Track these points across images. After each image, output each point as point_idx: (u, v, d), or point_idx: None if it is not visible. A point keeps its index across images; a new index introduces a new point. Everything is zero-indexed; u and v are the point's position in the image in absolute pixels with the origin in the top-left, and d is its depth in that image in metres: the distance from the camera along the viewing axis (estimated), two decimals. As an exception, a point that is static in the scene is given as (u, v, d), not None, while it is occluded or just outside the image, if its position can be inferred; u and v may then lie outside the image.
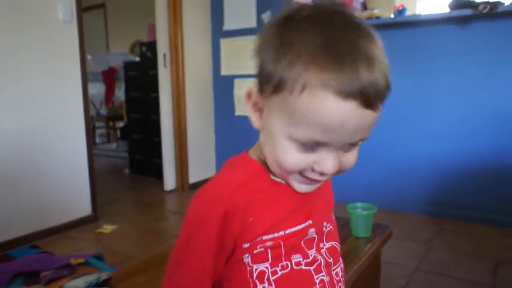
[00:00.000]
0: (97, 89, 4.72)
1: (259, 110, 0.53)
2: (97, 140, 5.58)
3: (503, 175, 2.36)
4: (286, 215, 0.56)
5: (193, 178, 3.40)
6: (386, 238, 1.22)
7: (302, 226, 0.57)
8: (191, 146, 3.36)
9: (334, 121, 0.45)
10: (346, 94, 0.44)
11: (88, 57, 2.50)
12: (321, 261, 0.58)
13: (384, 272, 1.41)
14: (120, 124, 5.38)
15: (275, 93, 0.48)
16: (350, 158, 0.53)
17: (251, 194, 0.55)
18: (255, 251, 0.54)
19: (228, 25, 3.35)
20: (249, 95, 0.54)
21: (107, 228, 2.49)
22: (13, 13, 2.16)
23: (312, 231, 0.58)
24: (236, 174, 0.56)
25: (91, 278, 0.91)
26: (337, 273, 0.61)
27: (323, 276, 0.57)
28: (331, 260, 0.60)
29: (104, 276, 0.94)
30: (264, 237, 0.54)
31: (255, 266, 0.54)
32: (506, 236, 2.25)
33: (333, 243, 0.62)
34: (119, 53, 5.17)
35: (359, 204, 1.20)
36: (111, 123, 5.53)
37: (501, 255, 2.03)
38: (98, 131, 5.64)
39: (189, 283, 0.55)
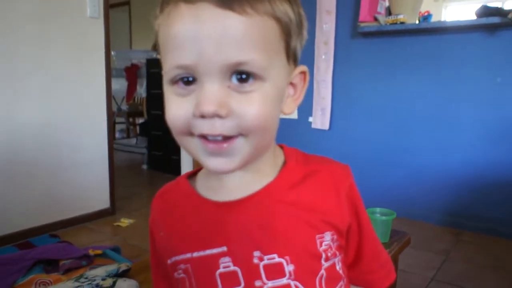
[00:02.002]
0: (119, 85, 4.80)
1: None
2: (117, 135, 5.66)
3: (526, 188, 2.31)
4: (197, 234, 0.48)
5: (209, 176, 3.41)
6: (404, 245, 1.21)
7: (213, 251, 0.47)
8: (209, 145, 3.38)
9: (188, 29, 0.40)
10: None
11: (112, 53, 2.55)
12: None
13: (400, 281, 1.39)
14: (140, 120, 5.45)
15: (156, 35, 0.46)
16: (247, 106, 0.41)
17: (164, 206, 0.53)
18: (177, 275, 0.50)
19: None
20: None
21: (124, 222, 2.53)
22: (43, 8, 2.22)
23: (226, 261, 0.46)
24: (165, 186, 0.56)
25: (111, 268, 0.93)
26: None
27: None
28: None
29: (123, 267, 0.96)
30: (177, 258, 0.49)
31: None
32: (526, 251, 2.19)
33: (289, 282, 0.45)
34: (142, 50, 5.24)
35: (377, 209, 1.19)
36: (131, 119, 5.62)
37: (521, 269, 1.98)
38: (118, 127, 5.72)
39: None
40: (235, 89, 0.41)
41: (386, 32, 2.64)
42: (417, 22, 2.54)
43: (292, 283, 0.45)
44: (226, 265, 0.46)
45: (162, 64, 0.46)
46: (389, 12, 2.70)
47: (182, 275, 0.49)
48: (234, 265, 0.46)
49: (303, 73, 0.49)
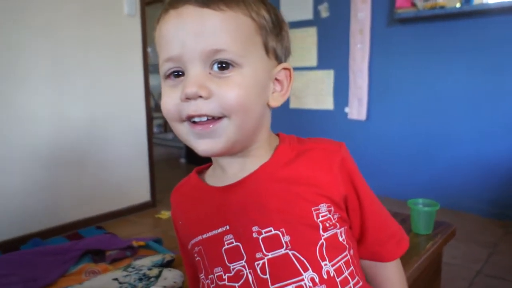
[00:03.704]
0: (156, 80, 4.90)
1: None
2: (155, 130, 5.80)
3: None
4: (204, 218, 0.54)
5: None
6: (449, 236, 1.17)
7: (218, 231, 0.52)
8: (245, 138, 3.41)
9: (173, 26, 0.47)
10: (179, 3, 0.47)
11: (148, 49, 2.61)
12: (247, 276, 0.49)
13: (445, 273, 1.35)
14: (177, 115, 5.56)
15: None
16: (225, 88, 0.46)
17: (180, 198, 0.60)
18: (196, 258, 0.56)
19: (284, 18, 3.34)
20: None
21: (165, 214, 2.60)
22: (83, 8, 2.30)
23: (229, 238, 0.51)
24: (181, 180, 0.63)
25: (157, 258, 0.97)
26: None
27: None
28: (265, 276, 0.48)
29: (168, 257, 0.99)
30: (193, 241, 0.56)
31: (200, 277, 0.56)
32: None
33: (287, 252, 0.49)
34: (177, 46, 5.33)
35: (420, 200, 1.16)
36: (168, 114, 5.73)
37: None
38: (155, 121, 5.86)
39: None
40: (215, 75, 0.47)
41: (424, 18, 2.55)
42: (458, 5, 2.43)
43: (290, 252, 0.49)
44: (229, 241, 0.50)
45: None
46: (428, -4, 2.60)
47: (198, 258, 0.55)
48: (236, 241, 0.50)
49: (287, 69, 0.54)
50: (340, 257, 0.51)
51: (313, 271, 0.48)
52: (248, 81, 0.48)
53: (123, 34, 2.53)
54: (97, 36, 2.38)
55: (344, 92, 3.00)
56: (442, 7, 2.45)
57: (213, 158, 0.57)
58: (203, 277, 0.54)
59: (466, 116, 2.49)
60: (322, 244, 0.50)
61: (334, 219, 0.52)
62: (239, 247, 0.50)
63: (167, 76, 0.50)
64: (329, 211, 0.52)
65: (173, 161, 4.36)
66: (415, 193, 1.87)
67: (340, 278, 0.50)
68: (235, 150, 0.51)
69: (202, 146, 0.49)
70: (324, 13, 3.04)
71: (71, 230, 2.27)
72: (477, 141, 2.47)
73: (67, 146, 2.28)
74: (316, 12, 3.10)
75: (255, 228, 0.49)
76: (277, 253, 0.49)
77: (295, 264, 0.48)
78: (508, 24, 2.30)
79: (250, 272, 0.49)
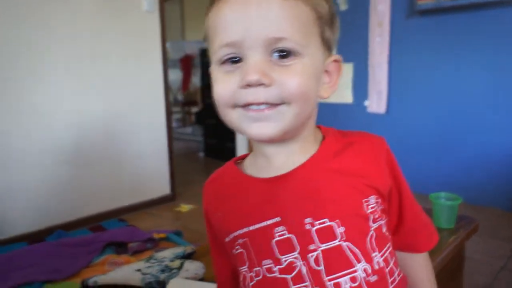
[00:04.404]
0: (174, 75, 4.95)
1: None
2: (174, 124, 5.87)
3: None
4: (251, 210, 0.52)
5: (264, 163, 3.45)
6: (472, 231, 1.15)
7: (268, 223, 0.50)
8: (263, 132, 3.41)
9: (236, 11, 0.46)
10: None
11: (167, 44, 2.64)
12: (300, 268, 0.48)
13: (467, 269, 1.33)
14: (195, 109, 5.61)
15: (206, 35, 0.52)
16: (287, 76, 0.46)
17: (217, 190, 0.58)
18: (235, 251, 0.54)
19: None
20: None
21: (185, 207, 2.64)
22: (101, 4, 2.33)
23: (281, 229, 0.49)
24: (214, 172, 0.61)
25: (178, 251, 0.98)
26: (337, 284, 0.48)
27: (307, 287, 0.48)
28: (319, 267, 0.48)
29: (189, 249, 1.00)
30: (235, 234, 0.53)
31: (240, 269, 0.54)
32: None
33: (341, 243, 0.48)
34: (195, 40, 5.36)
35: (442, 194, 1.14)
36: (186, 108, 5.79)
37: None
38: (174, 116, 5.93)
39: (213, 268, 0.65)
40: (276, 63, 0.46)
41: (446, 9, 2.49)
42: (481, -5, 2.36)
43: (344, 244, 0.48)
44: (281, 233, 0.49)
45: (209, 51, 0.52)
46: (450, -14, 2.54)
47: (240, 250, 0.53)
48: (289, 232, 0.49)
49: (337, 61, 0.54)
50: (386, 248, 0.52)
51: (366, 262, 0.49)
52: (308, 70, 0.48)
53: (142, 30, 2.56)
54: (117, 32, 2.42)
55: (363, 85, 2.97)
56: (464, -3, 2.38)
57: (256, 148, 0.55)
58: (245, 269, 0.53)
59: (488, 108, 2.43)
60: (372, 235, 0.50)
61: (379, 210, 0.52)
62: (292, 239, 0.49)
63: (223, 62, 0.49)
64: (377, 203, 0.52)
65: (192, 155, 4.40)
66: (437, 187, 1.84)
67: (388, 269, 0.51)
68: (286, 137, 0.50)
69: (256, 129, 0.48)
70: (343, 5, 3.01)
71: (93, 222, 2.32)
72: (499, 134, 2.41)
73: (87, 140, 2.33)
74: (335, 5, 3.06)
75: (307, 220, 0.49)
76: (331, 244, 0.48)
77: (349, 256, 0.48)
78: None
79: (303, 264, 0.48)
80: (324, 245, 0.48)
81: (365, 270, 0.49)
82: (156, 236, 1.92)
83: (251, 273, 0.52)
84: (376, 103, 2.90)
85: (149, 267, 0.92)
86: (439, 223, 1.12)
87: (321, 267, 0.48)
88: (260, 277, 0.50)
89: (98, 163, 2.39)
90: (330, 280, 0.48)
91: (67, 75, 2.22)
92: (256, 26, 0.45)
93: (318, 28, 0.50)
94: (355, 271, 0.48)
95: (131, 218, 2.44)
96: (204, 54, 4.20)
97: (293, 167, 0.51)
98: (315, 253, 0.48)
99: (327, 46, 0.52)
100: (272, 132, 0.47)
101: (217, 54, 0.48)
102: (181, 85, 5.16)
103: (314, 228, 0.49)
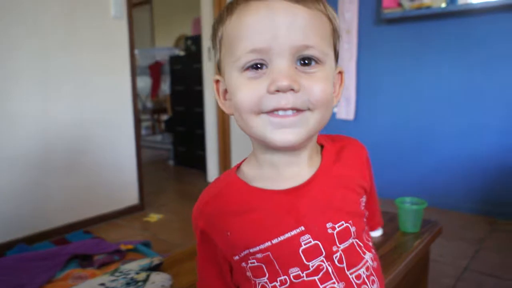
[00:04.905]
0: (143, 82, 4.88)
1: (226, 92, 0.55)
2: (143, 132, 5.78)
3: None
4: (270, 224, 0.52)
5: (235, 170, 3.44)
6: (436, 234, 1.18)
7: (292, 233, 0.51)
8: (234, 139, 3.40)
9: (264, 17, 0.47)
10: None
11: (136, 51, 2.59)
12: (327, 268, 0.52)
13: (432, 271, 1.37)
14: (165, 116, 5.54)
15: (220, 43, 0.53)
16: (313, 83, 0.48)
17: (221, 208, 0.54)
18: (250, 264, 0.53)
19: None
20: (216, 82, 0.57)
21: (153, 217, 2.58)
22: (69, 10, 2.27)
23: (306, 238, 0.51)
24: (210, 190, 0.57)
25: (144, 262, 0.96)
26: (358, 276, 0.53)
27: (334, 283, 0.51)
28: (342, 265, 0.52)
29: (156, 261, 0.98)
30: (251, 250, 0.52)
31: (257, 280, 0.54)
32: None
33: (353, 240, 0.54)
34: (165, 47, 5.31)
35: (408, 199, 1.17)
36: (156, 116, 5.71)
37: (560, 258, 1.91)
38: (143, 124, 5.83)
39: None
40: (300, 70, 0.48)
41: (411, 18, 2.57)
42: (443, 5, 2.46)
43: (354, 241, 0.54)
44: (307, 241, 0.51)
45: (223, 58, 0.53)
46: (413, -4, 2.63)
47: (257, 264, 0.53)
48: (314, 239, 0.51)
49: (340, 73, 0.57)
50: (368, 236, 0.60)
51: (369, 253, 0.56)
52: (328, 78, 0.50)
53: (110, 36, 2.50)
54: (84, 39, 2.36)
55: (332, 92, 3.01)
56: (428, 7, 2.47)
57: (263, 159, 0.55)
58: (264, 280, 0.53)
59: (452, 114, 2.52)
60: (365, 229, 0.58)
61: (365, 206, 0.59)
62: (318, 245, 0.52)
63: (246, 69, 0.49)
64: (364, 200, 0.59)
65: (161, 163, 4.34)
66: (403, 192, 1.89)
67: (375, 252, 0.60)
68: (302, 145, 0.52)
69: (280, 136, 0.48)
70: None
71: (58, 235, 2.24)
72: (462, 138, 2.50)
73: (54, 148, 2.25)
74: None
75: (329, 225, 0.52)
76: (347, 243, 0.53)
77: (359, 250, 0.55)
78: (491, 23, 2.33)
79: (329, 265, 0.52)
80: (342, 245, 0.53)
81: (371, 259, 0.56)
82: (123, 247, 1.87)
83: (274, 283, 0.52)
84: (345, 109, 2.95)
85: (113, 280, 0.89)
86: (405, 228, 1.14)
87: (343, 265, 0.52)
88: (287, 284, 0.52)
89: (64, 172, 2.31)
90: (351, 273, 0.53)
91: (35, 81, 2.14)
92: (284, 34, 0.47)
93: (333, 39, 0.53)
94: (366, 262, 0.55)
95: (98, 230, 2.36)
96: (173, 61, 4.16)
97: (305, 177, 0.54)
98: (338, 254, 0.52)
99: (336, 57, 0.55)
100: (295, 138, 0.49)
101: (241, 60, 0.49)
102: (150, 92, 5.09)
103: (335, 231, 0.53)
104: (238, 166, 0.59)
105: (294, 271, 0.51)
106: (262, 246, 0.51)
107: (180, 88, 4.05)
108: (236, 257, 0.54)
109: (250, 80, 0.49)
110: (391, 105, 2.77)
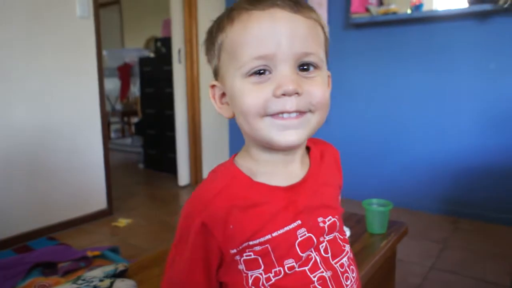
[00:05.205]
0: (112, 84, 4.77)
1: (223, 96, 0.58)
2: (112, 135, 5.65)
3: (521, 173, 2.32)
4: (271, 218, 0.55)
5: (206, 173, 3.40)
6: (402, 234, 1.21)
7: (290, 227, 0.55)
8: (205, 142, 3.38)
9: (267, 26, 0.51)
10: (265, 6, 0.51)
11: (104, 52, 2.52)
12: (315, 258, 0.56)
13: (399, 270, 1.40)
14: (135, 119, 5.44)
15: (220, 50, 0.55)
16: (314, 87, 0.52)
17: (229, 202, 0.55)
18: (245, 257, 0.55)
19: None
20: (212, 87, 0.59)
21: (122, 222, 2.53)
22: (32, 9, 2.19)
23: (302, 231, 0.56)
24: (214, 183, 0.57)
25: (109, 269, 0.93)
26: (341, 265, 0.59)
27: (322, 272, 0.56)
28: (327, 255, 0.58)
29: (121, 267, 0.95)
30: (251, 242, 0.54)
31: (250, 273, 0.55)
32: (524, 236, 2.21)
33: (335, 234, 0.60)
34: (134, 48, 5.22)
35: (374, 200, 1.19)
36: (125, 118, 5.59)
37: (519, 255, 1.99)
38: (113, 126, 5.70)
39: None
40: (301, 75, 0.52)
41: (378, 23, 2.64)
42: (408, 11, 2.53)
43: (337, 234, 0.61)
44: (302, 234, 0.55)
45: (225, 64, 0.55)
46: (380, 2, 2.70)
47: (254, 256, 0.55)
48: (308, 232, 0.56)
49: (329, 77, 0.60)
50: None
51: (347, 244, 0.63)
52: (325, 82, 0.55)
53: (76, 37, 2.43)
54: (48, 39, 2.28)
55: (303, 95, 3.04)
56: (394, 13, 2.54)
57: (261, 158, 0.57)
58: (259, 272, 0.55)
59: (417, 117, 2.60)
60: (342, 223, 0.64)
61: None
62: (312, 237, 0.56)
63: (250, 75, 0.52)
64: (340, 198, 0.66)
65: (131, 166, 4.25)
66: (370, 193, 1.92)
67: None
68: (301, 145, 0.57)
69: (284, 137, 0.52)
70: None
71: (21, 242, 2.15)
72: (428, 141, 2.58)
73: (16, 152, 2.17)
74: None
75: (320, 219, 0.58)
76: (331, 235, 0.60)
77: (340, 242, 0.61)
78: (455, 29, 2.42)
79: (316, 254, 0.57)
80: (327, 236, 0.59)
81: (350, 250, 0.63)
82: (90, 253, 1.82)
83: (268, 274, 0.55)
84: (315, 112, 2.99)
85: (76, 289, 0.86)
86: (372, 229, 1.16)
87: (329, 254, 0.58)
88: (281, 275, 0.54)
89: (27, 177, 2.22)
90: (336, 263, 0.58)
91: (-10, 83, 2.06)
92: (287, 41, 0.50)
93: (324, 46, 0.57)
94: (347, 252, 0.61)
95: (64, 236, 2.29)
96: (143, 63, 4.09)
97: (299, 175, 0.59)
98: (324, 244, 0.58)
99: (326, 63, 0.59)
100: (298, 139, 0.53)
101: (246, 66, 0.52)
102: (119, 94, 4.98)
103: (326, 225, 0.58)
104: (232, 160, 0.61)
105: (289, 262, 0.54)
106: (262, 239, 0.54)
107: (150, 90, 3.98)
108: (233, 250, 0.55)
109: (255, 85, 0.52)
110: (359, 108, 2.82)
